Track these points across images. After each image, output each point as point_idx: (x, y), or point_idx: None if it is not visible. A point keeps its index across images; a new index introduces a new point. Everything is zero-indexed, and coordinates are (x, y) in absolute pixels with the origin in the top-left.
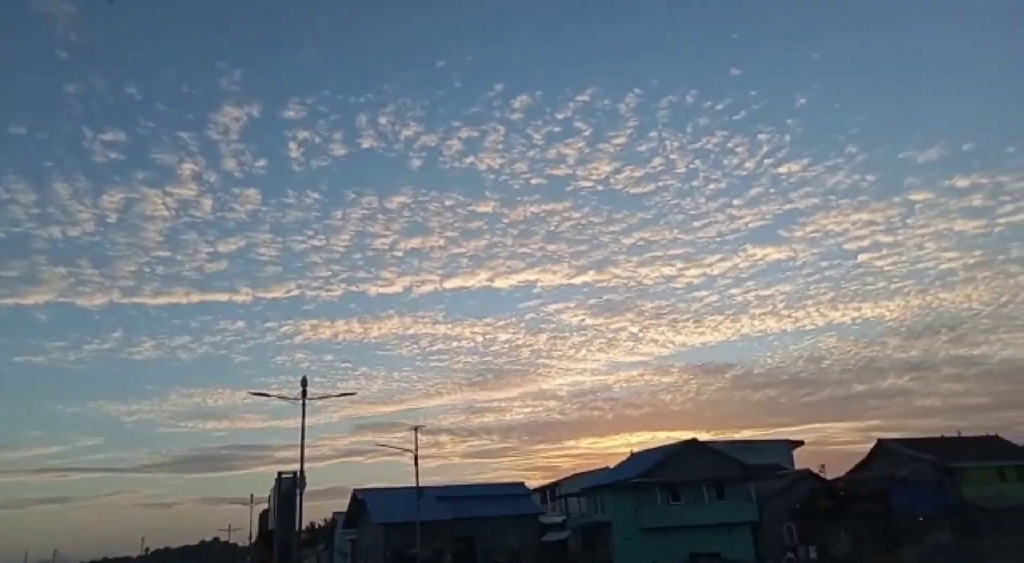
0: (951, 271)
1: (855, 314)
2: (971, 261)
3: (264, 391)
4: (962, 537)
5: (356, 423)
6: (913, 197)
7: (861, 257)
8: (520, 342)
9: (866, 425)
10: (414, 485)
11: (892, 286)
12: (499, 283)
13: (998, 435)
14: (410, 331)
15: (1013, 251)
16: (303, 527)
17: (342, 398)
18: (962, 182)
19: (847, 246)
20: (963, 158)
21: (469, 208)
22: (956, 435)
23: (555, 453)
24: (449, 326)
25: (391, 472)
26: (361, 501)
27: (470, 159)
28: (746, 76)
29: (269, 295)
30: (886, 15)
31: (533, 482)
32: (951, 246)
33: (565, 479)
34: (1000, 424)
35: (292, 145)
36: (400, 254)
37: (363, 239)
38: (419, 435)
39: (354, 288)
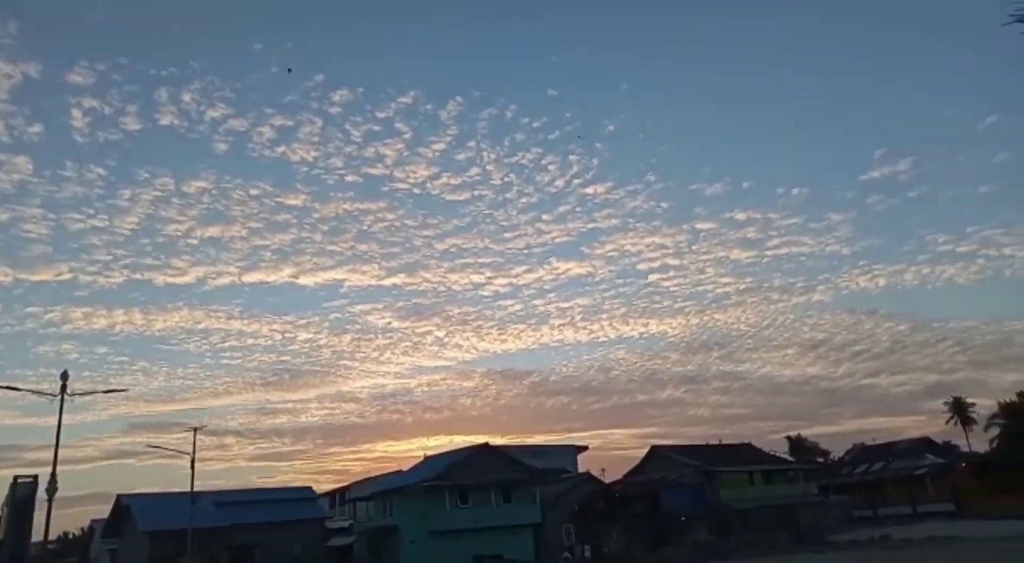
0: (725, 295)
1: (642, 329)
2: (742, 287)
3: (14, 385)
4: (718, 535)
5: (130, 422)
6: (699, 226)
7: (651, 277)
8: (322, 342)
9: (645, 432)
10: (189, 490)
11: (676, 305)
12: (304, 280)
13: (751, 443)
14: (200, 325)
15: (776, 280)
16: (53, 537)
17: (112, 395)
18: (740, 215)
19: (640, 266)
20: (742, 194)
21: (277, 200)
22: (718, 442)
23: (349, 457)
24: (245, 322)
25: (167, 476)
26: (125, 507)
27: (282, 149)
28: (562, 98)
29: (34, 277)
30: (688, 61)
31: (324, 486)
32: (727, 272)
33: (355, 483)
34: (754, 433)
35: (76, 113)
36: (195, 242)
37: (153, 223)
38: (204, 437)
39: (139, 275)
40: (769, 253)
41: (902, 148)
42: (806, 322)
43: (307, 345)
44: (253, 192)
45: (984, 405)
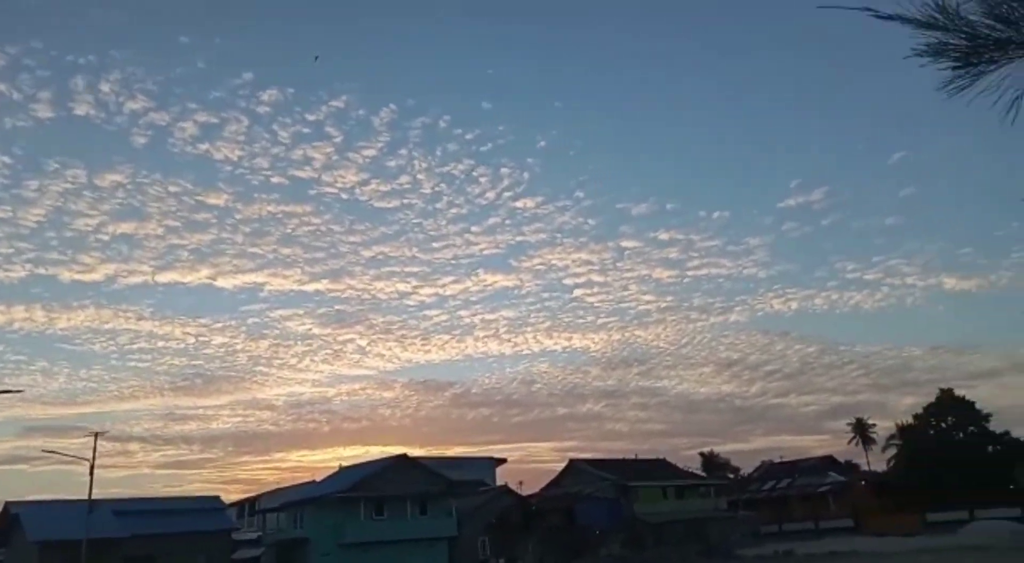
0: (647, 312)
1: (566, 343)
2: (663, 305)
3: None
4: (631, 548)
5: (25, 425)
6: (624, 244)
7: (576, 292)
8: (238, 347)
9: (564, 445)
10: (87, 497)
11: (599, 321)
12: (222, 282)
13: (665, 459)
14: (108, 325)
15: (696, 300)
16: None
17: (6, 395)
18: (664, 235)
19: (566, 281)
20: (666, 215)
21: (197, 198)
22: (634, 457)
23: (261, 466)
24: (157, 323)
25: (65, 483)
26: (14, 515)
27: (205, 146)
28: (496, 111)
29: None
30: (621, 84)
31: (232, 496)
32: (649, 290)
33: (266, 493)
34: (670, 448)
35: None
36: (107, 238)
37: (61, 216)
38: (107, 442)
39: (42, 270)
40: (690, 273)
41: (817, 178)
42: (722, 341)
43: (222, 350)
44: (172, 189)
45: (884, 426)
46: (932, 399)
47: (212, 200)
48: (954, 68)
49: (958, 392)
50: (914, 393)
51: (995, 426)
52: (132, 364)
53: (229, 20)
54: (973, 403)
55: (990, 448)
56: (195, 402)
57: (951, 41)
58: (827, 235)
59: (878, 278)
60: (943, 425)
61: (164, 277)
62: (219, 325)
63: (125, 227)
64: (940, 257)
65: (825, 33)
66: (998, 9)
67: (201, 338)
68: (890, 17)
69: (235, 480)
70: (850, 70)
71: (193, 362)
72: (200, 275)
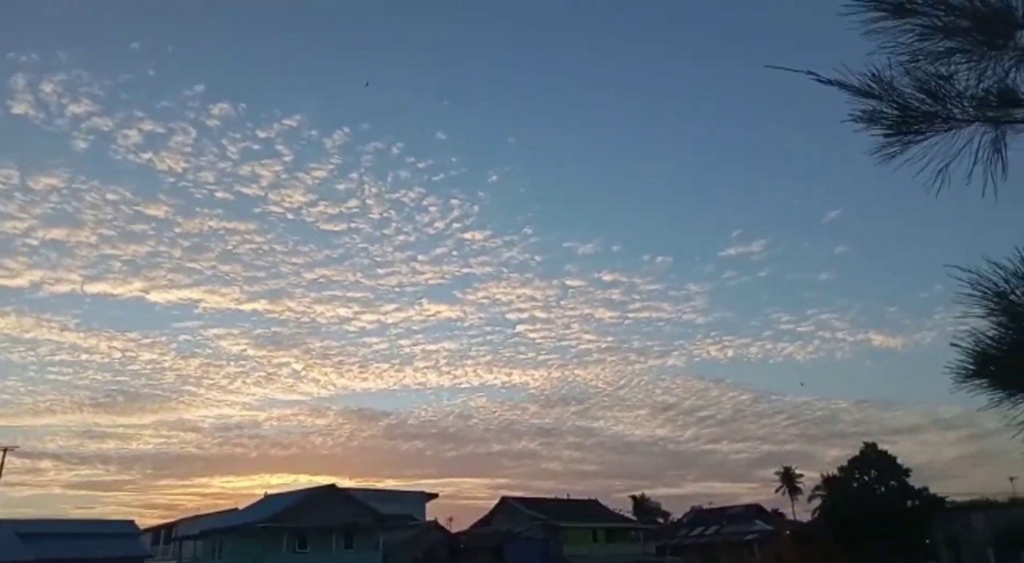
0: (587, 352)
1: (505, 378)
2: (603, 345)
3: None
4: None
5: None
6: (569, 282)
7: (519, 327)
8: (167, 364)
9: (497, 482)
10: None
11: (539, 357)
12: (155, 296)
13: (597, 500)
14: (29, 334)
15: (635, 342)
16: None
17: None
18: (608, 277)
19: (509, 316)
20: (611, 256)
21: (136, 208)
22: (566, 497)
23: (182, 491)
24: (82, 335)
25: None
26: None
27: (148, 155)
28: (450, 143)
29: None
30: (575, 124)
31: (149, 521)
32: (591, 330)
33: (184, 519)
34: (602, 490)
35: None
36: (35, 243)
37: None
38: (16, 458)
39: None
40: (631, 315)
41: (757, 231)
42: (659, 385)
43: (149, 367)
44: (110, 197)
45: (810, 477)
46: (857, 452)
47: (151, 211)
48: (886, 135)
49: (881, 446)
50: (840, 445)
51: (914, 481)
52: (52, 377)
53: (184, 29)
54: (895, 458)
55: (909, 503)
56: (116, 420)
57: (884, 110)
58: (764, 286)
59: (810, 331)
60: (866, 478)
61: (93, 288)
62: (148, 341)
63: (56, 233)
64: (869, 314)
65: (773, 92)
66: (927, 85)
67: (128, 353)
68: (830, 82)
69: (153, 504)
70: (793, 129)
71: (117, 378)
72: (132, 288)
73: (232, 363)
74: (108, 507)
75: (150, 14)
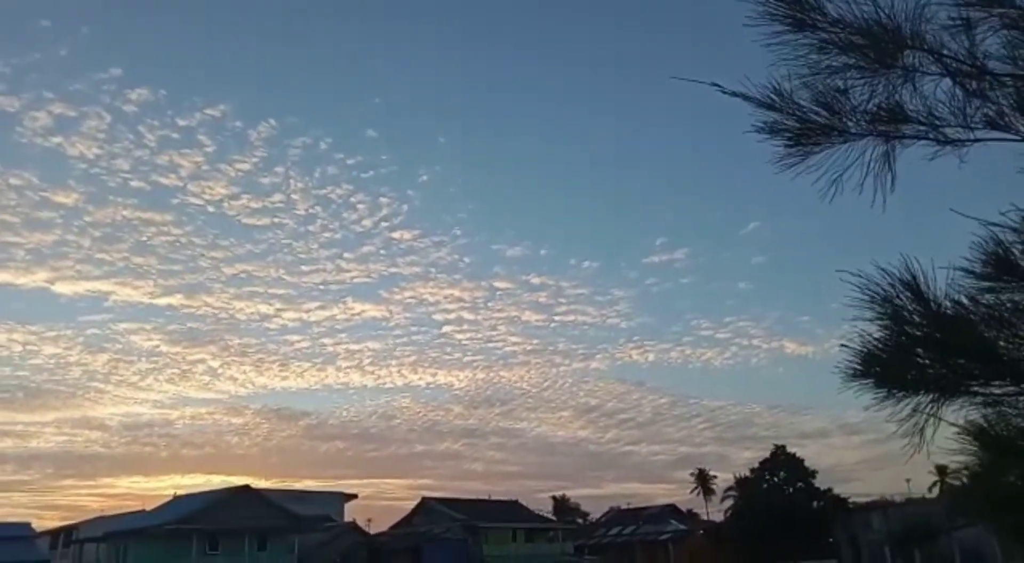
0: (513, 354)
1: (430, 379)
2: (529, 347)
3: None
4: None
5: None
6: (497, 284)
7: (446, 328)
8: (72, 359)
9: (419, 483)
10: None
11: (465, 358)
12: (61, 288)
13: (518, 501)
14: None
15: (560, 345)
16: None
17: None
18: (535, 280)
19: (436, 316)
20: (539, 260)
21: (43, 194)
22: (487, 498)
23: (86, 491)
24: None
25: None
26: None
27: (59, 139)
28: (380, 140)
29: None
30: (505, 127)
31: (48, 523)
32: (517, 332)
33: (87, 521)
34: (524, 490)
35: None
36: None
37: None
38: None
39: None
40: (557, 318)
41: (679, 239)
42: (582, 387)
43: (52, 361)
44: (14, 182)
45: (724, 478)
46: (767, 454)
47: (60, 198)
48: (786, 146)
49: (790, 449)
50: (753, 447)
51: (820, 483)
52: None
53: (99, 10)
54: (803, 460)
55: (815, 503)
56: (14, 417)
57: (785, 121)
58: (685, 293)
59: (728, 337)
60: (776, 479)
61: None
62: (52, 334)
63: None
64: (783, 323)
65: (696, 104)
66: (825, 97)
67: (29, 347)
68: (735, 94)
69: (53, 506)
70: (716, 140)
71: (17, 372)
72: (36, 277)
73: (144, 359)
74: (2, 509)
75: None
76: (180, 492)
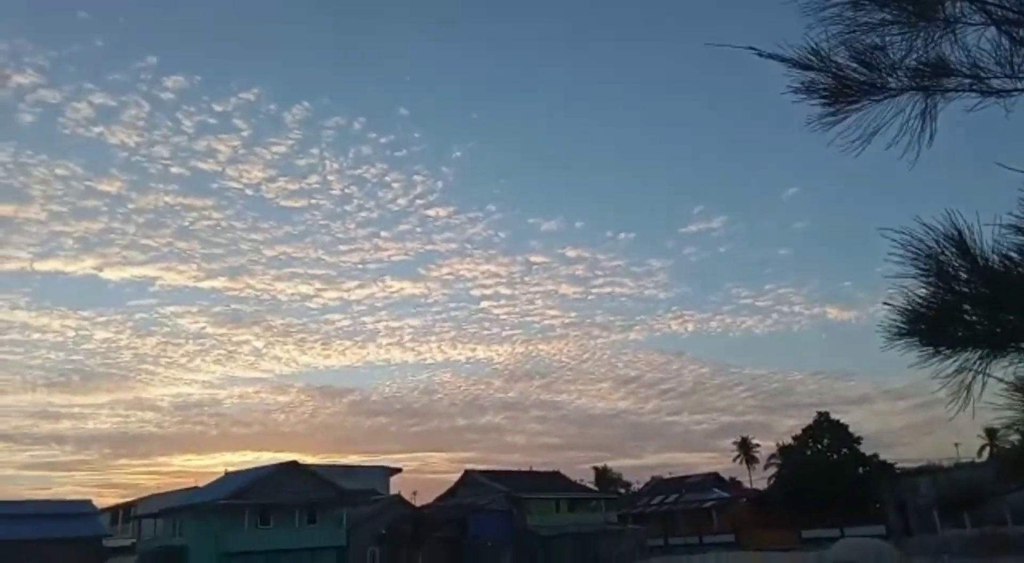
0: (551, 327)
1: (470, 354)
2: (567, 320)
3: None
4: (521, 560)
5: None
6: (533, 258)
7: (483, 303)
8: (123, 343)
9: (462, 456)
10: None
11: (504, 333)
12: (109, 274)
13: (560, 471)
14: None
15: (598, 317)
16: None
17: None
18: (571, 253)
19: (473, 292)
20: (575, 233)
21: (88, 183)
22: (529, 469)
23: (141, 470)
24: (33, 314)
25: None
26: None
27: (100, 129)
28: (413, 118)
29: None
30: (537, 101)
31: (107, 501)
32: (555, 305)
33: (144, 498)
34: (565, 462)
35: None
36: None
37: None
38: None
39: None
40: (594, 291)
41: (717, 207)
42: (621, 358)
43: (104, 345)
44: (59, 172)
45: (766, 446)
46: (811, 421)
47: (104, 187)
48: (823, 105)
49: (834, 416)
50: (795, 415)
51: (865, 449)
52: (2, 356)
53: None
54: (847, 426)
55: (860, 469)
56: (71, 399)
57: (822, 80)
58: (724, 262)
59: (768, 305)
60: (819, 446)
61: (44, 265)
62: (103, 319)
63: (3, 210)
64: (825, 288)
65: (734, 70)
66: (863, 55)
67: (82, 332)
68: (770, 56)
69: (111, 484)
70: (754, 106)
71: (72, 357)
72: (85, 265)
73: (191, 341)
74: (64, 487)
75: None
76: (231, 469)
